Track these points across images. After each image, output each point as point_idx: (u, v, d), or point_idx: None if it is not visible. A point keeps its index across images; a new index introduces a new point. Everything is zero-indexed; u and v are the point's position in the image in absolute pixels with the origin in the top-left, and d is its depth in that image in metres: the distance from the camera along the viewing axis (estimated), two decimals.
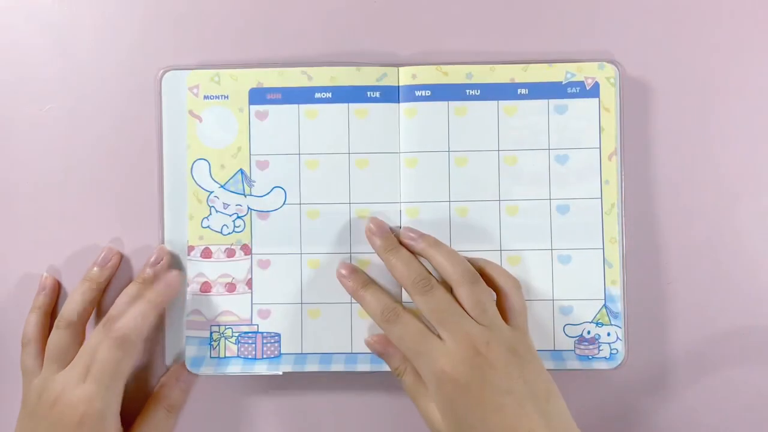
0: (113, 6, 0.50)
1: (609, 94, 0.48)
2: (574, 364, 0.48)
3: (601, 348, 0.48)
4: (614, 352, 0.48)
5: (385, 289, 0.47)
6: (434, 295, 0.44)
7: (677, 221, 0.49)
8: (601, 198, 0.48)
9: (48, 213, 0.50)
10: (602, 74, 0.48)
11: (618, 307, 0.48)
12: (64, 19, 0.50)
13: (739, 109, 0.49)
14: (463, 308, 0.44)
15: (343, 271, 0.47)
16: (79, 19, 0.50)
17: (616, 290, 0.48)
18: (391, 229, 0.48)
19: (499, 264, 0.48)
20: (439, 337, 0.43)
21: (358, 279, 0.47)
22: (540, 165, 0.48)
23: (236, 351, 0.49)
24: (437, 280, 0.45)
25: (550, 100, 0.48)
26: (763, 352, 0.49)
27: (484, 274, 0.46)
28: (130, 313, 0.45)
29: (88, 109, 0.50)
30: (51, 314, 0.49)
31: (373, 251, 0.48)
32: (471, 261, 0.46)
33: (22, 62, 0.50)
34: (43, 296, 0.49)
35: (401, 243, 0.47)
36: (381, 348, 0.47)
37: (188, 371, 0.48)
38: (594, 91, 0.48)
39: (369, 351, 0.48)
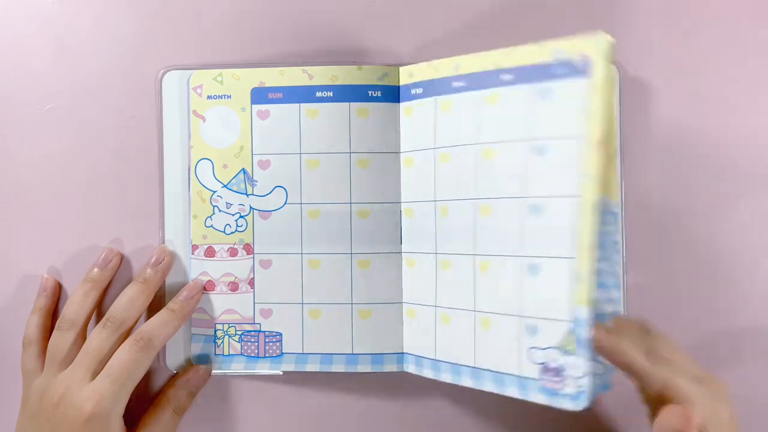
0: (113, 6, 0.50)
1: (602, 70, 0.39)
2: (538, 397, 0.42)
3: (566, 382, 0.41)
4: (580, 390, 0.40)
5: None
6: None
7: (677, 221, 0.49)
8: (580, 196, 0.40)
9: (48, 213, 0.50)
10: (596, 47, 0.39)
11: (586, 333, 0.39)
12: (64, 19, 0.50)
13: (739, 108, 0.49)
14: None
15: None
16: (79, 19, 0.50)
17: (586, 312, 0.39)
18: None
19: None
20: None
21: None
22: (518, 159, 0.43)
23: (239, 349, 0.49)
24: None
25: (534, 84, 0.43)
26: (763, 352, 0.49)
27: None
28: (155, 320, 0.46)
29: (89, 109, 0.50)
30: (52, 315, 0.49)
31: (374, 251, 0.48)
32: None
33: (22, 62, 0.50)
34: (44, 297, 0.49)
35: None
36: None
37: (198, 375, 0.48)
38: (584, 69, 0.40)
39: (369, 352, 0.48)
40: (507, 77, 0.43)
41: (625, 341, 0.40)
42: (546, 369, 0.41)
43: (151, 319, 0.46)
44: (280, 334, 0.49)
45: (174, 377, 0.48)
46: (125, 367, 0.44)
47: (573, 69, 0.41)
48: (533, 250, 0.42)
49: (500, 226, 0.44)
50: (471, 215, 0.45)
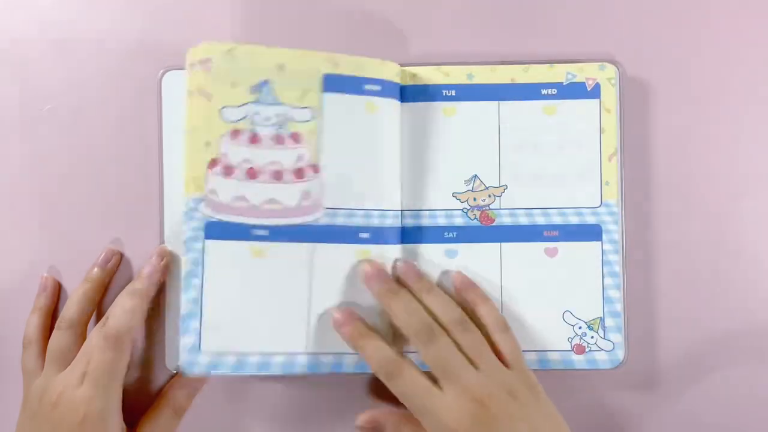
0: (113, 6, 0.50)
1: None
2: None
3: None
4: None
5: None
6: (437, 344, 0.43)
7: (677, 221, 0.49)
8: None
9: (48, 213, 0.50)
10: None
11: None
12: (64, 19, 0.50)
13: (739, 108, 0.49)
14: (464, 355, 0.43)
15: (339, 317, 0.45)
16: (79, 19, 0.50)
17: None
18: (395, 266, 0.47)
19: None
20: (441, 388, 0.42)
21: (356, 327, 0.44)
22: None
23: None
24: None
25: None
26: (763, 352, 0.49)
27: (474, 314, 0.46)
28: (118, 311, 0.45)
29: (88, 109, 0.50)
30: (52, 315, 0.49)
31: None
32: (465, 295, 0.46)
33: (22, 62, 0.50)
34: (43, 297, 0.49)
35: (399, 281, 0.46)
36: (371, 426, 0.45)
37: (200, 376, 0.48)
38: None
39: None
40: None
41: None
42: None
43: (114, 310, 0.45)
44: None
45: (173, 377, 0.48)
46: (103, 368, 0.44)
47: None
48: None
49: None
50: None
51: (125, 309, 0.45)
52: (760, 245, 0.49)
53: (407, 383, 0.42)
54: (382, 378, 0.43)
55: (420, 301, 0.45)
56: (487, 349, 0.43)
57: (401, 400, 0.42)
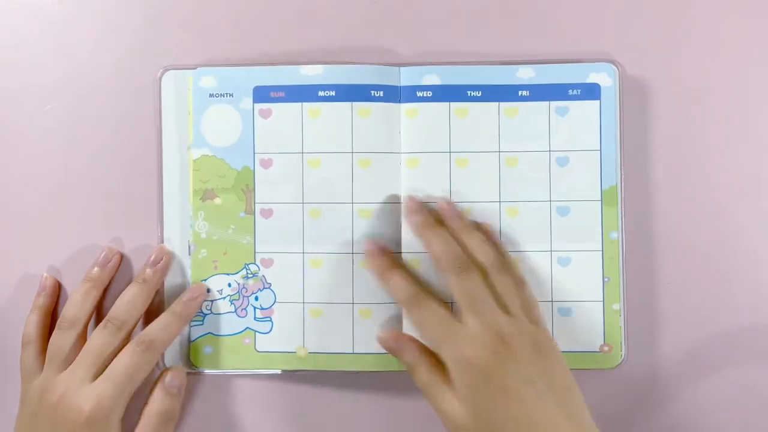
0: (113, 6, 0.50)
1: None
2: None
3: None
4: None
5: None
6: (469, 277, 0.44)
7: (676, 221, 0.49)
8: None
9: (48, 213, 0.50)
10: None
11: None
12: (64, 19, 0.50)
13: (739, 109, 0.50)
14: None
15: (370, 249, 0.47)
16: (79, 19, 0.50)
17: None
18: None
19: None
20: (461, 322, 0.43)
21: (385, 260, 0.47)
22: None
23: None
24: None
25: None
26: (763, 352, 0.49)
27: None
28: (157, 324, 0.46)
29: (89, 109, 0.50)
30: (51, 314, 0.49)
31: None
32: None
33: (23, 63, 0.50)
34: (43, 297, 0.48)
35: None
36: (394, 343, 0.45)
37: (173, 376, 0.47)
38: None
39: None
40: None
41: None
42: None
43: (153, 322, 0.46)
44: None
45: (153, 385, 0.47)
46: (126, 370, 0.44)
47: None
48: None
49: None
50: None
51: (162, 323, 0.46)
52: (760, 245, 0.49)
53: (428, 312, 0.44)
54: (406, 308, 0.45)
55: (458, 239, 0.46)
56: (518, 298, 0.44)
57: (420, 330, 0.44)
